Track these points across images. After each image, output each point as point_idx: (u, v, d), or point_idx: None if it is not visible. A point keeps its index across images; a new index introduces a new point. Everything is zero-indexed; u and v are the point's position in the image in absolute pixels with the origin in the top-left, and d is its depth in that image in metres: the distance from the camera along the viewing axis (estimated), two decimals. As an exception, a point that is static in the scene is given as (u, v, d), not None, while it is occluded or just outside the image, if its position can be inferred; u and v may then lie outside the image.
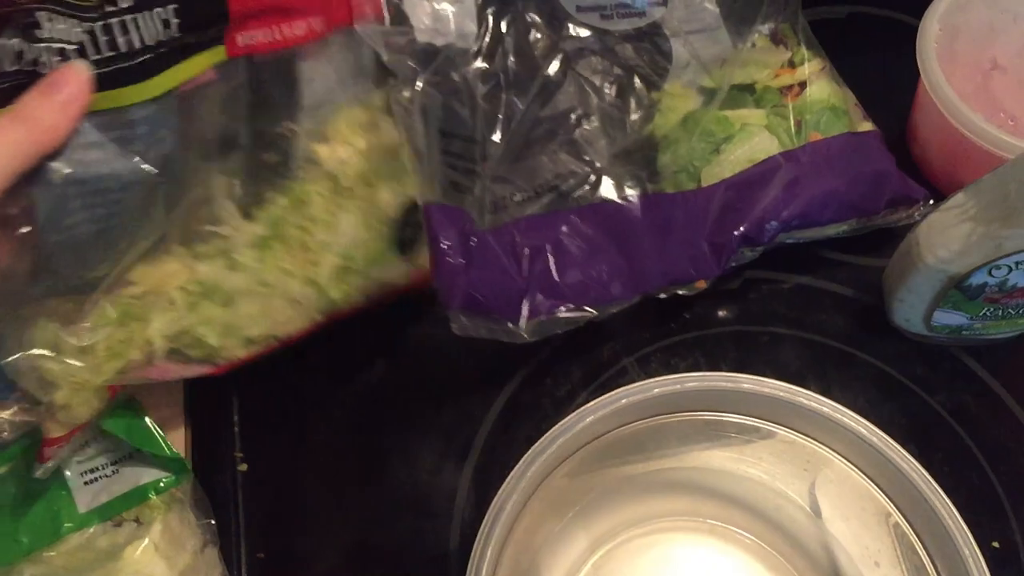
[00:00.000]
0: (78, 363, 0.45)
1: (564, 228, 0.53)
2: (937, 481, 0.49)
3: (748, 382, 0.43)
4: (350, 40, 0.49)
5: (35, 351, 0.44)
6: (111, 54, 0.44)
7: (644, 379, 0.44)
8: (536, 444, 0.42)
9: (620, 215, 0.54)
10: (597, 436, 0.45)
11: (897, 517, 0.44)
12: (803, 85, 0.57)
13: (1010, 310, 0.52)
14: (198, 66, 0.46)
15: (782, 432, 0.46)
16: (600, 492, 0.48)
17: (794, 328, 0.58)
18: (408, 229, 0.51)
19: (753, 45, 0.58)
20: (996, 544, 0.52)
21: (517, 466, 0.41)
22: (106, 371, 0.46)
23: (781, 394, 0.44)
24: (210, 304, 0.48)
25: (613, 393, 0.42)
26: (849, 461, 0.46)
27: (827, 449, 0.46)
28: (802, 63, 0.58)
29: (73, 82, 0.40)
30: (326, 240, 0.49)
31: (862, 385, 0.56)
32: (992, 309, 0.52)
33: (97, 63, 0.43)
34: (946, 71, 0.55)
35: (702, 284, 0.55)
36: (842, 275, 0.60)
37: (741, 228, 0.54)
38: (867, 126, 0.58)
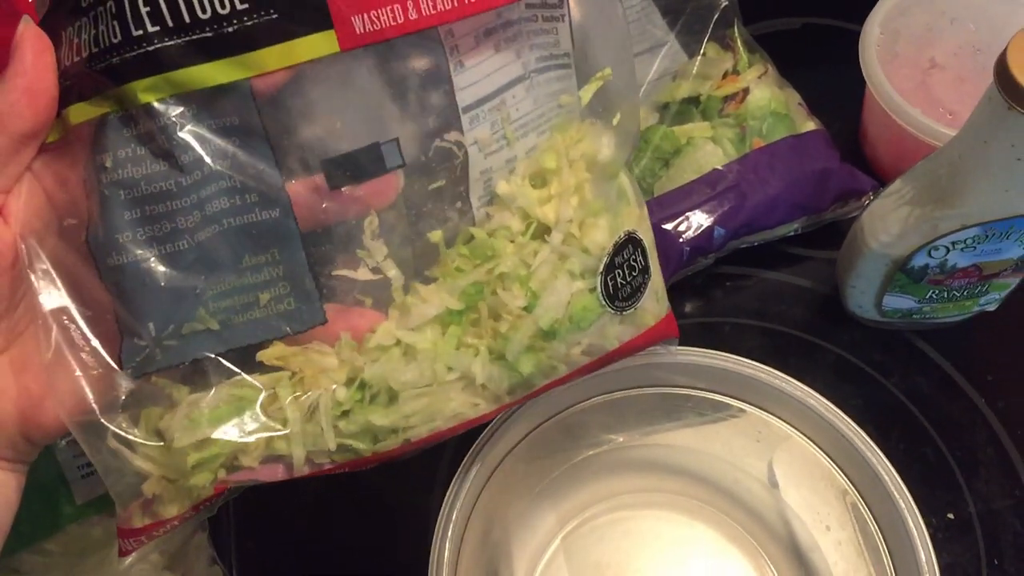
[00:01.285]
0: (177, 458, 0.35)
1: None
2: (893, 458, 0.51)
3: (701, 355, 0.46)
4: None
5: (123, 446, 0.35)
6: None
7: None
8: (492, 422, 0.44)
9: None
10: (555, 413, 0.47)
11: (848, 487, 0.47)
12: (747, 91, 0.60)
13: (955, 292, 0.55)
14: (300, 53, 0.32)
15: (740, 406, 0.48)
16: (564, 471, 0.51)
17: (756, 319, 0.61)
18: (619, 274, 0.39)
19: (704, 54, 0.61)
20: (951, 516, 0.54)
21: (473, 446, 0.44)
22: (209, 472, 0.36)
23: (737, 367, 0.47)
24: (371, 407, 0.37)
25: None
26: (804, 435, 0.48)
27: (783, 423, 0.48)
28: (744, 70, 0.61)
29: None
30: (520, 303, 0.37)
31: (821, 371, 0.59)
32: (937, 291, 0.55)
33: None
34: (888, 72, 0.58)
35: None
36: (801, 268, 0.63)
37: (689, 238, 0.57)
38: (811, 125, 0.61)
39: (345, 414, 0.36)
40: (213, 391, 0.35)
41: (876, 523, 0.45)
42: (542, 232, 0.38)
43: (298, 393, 0.36)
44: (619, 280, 0.39)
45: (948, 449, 0.56)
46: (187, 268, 0.33)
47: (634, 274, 0.40)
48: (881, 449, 0.54)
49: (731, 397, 0.48)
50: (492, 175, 0.38)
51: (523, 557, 0.50)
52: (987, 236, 0.50)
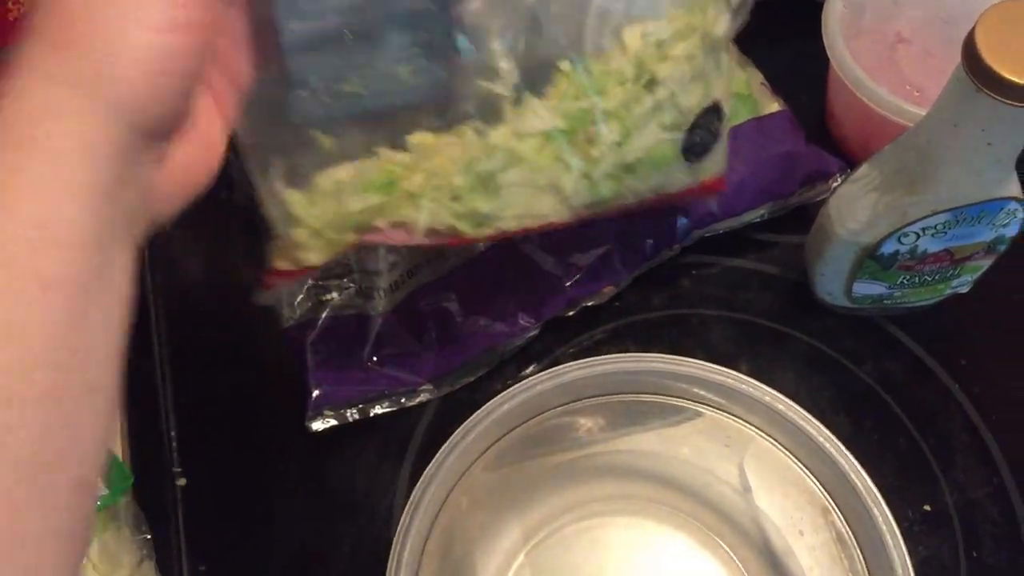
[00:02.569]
0: (325, 210, 0.43)
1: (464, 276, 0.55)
2: (867, 450, 0.50)
3: (659, 361, 0.44)
4: None
5: (287, 190, 0.42)
6: None
7: (569, 368, 0.45)
8: (453, 435, 0.42)
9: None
10: (519, 423, 0.45)
11: (819, 490, 0.45)
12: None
13: (926, 276, 0.53)
14: None
15: (708, 412, 0.47)
16: (530, 481, 0.49)
17: (724, 309, 0.59)
18: (699, 134, 0.46)
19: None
20: (927, 507, 0.53)
21: (435, 457, 0.42)
22: (349, 230, 0.44)
23: (704, 373, 0.45)
24: (479, 196, 0.44)
25: (527, 380, 0.43)
26: (773, 439, 0.46)
27: (752, 428, 0.47)
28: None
29: None
30: (614, 138, 0.44)
31: (792, 361, 0.57)
32: (908, 277, 0.53)
33: None
34: (852, 47, 0.56)
35: (610, 290, 0.56)
36: (768, 255, 0.61)
37: (651, 230, 0.55)
38: (774, 107, 0.59)
39: (458, 198, 0.44)
40: (365, 160, 0.42)
41: (848, 527, 0.43)
42: (648, 82, 0.44)
43: (428, 174, 0.43)
44: (697, 139, 0.46)
45: (923, 438, 0.55)
46: (351, 40, 0.40)
47: (709, 136, 0.47)
48: (854, 439, 0.52)
49: (699, 403, 0.46)
50: (609, 15, 0.43)
51: (488, 570, 0.48)
52: (958, 221, 0.48)
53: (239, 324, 0.60)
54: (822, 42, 0.57)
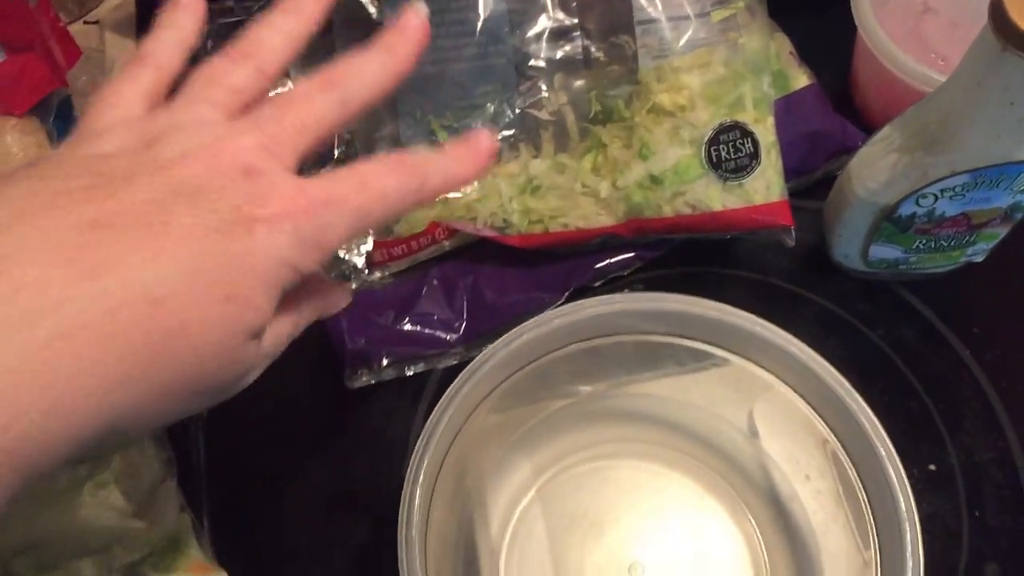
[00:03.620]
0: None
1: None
2: (876, 410, 0.51)
3: (679, 302, 0.45)
4: None
5: None
6: None
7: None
8: (469, 366, 0.43)
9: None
10: (530, 362, 0.46)
11: (828, 436, 0.46)
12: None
13: (942, 241, 0.54)
14: None
15: (720, 355, 0.47)
16: (541, 421, 0.50)
17: (740, 269, 0.60)
18: (722, 148, 0.54)
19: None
20: (933, 467, 0.53)
21: (446, 393, 0.43)
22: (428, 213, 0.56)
23: (718, 315, 0.45)
24: (527, 196, 0.56)
25: (539, 317, 0.44)
26: (785, 383, 0.47)
27: (764, 371, 0.47)
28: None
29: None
30: (638, 151, 0.54)
31: (805, 322, 0.58)
32: (924, 241, 0.54)
33: None
34: (879, 16, 0.57)
35: (637, 262, 0.59)
36: (787, 219, 0.61)
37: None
38: (803, 79, 0.59)
39: (511, 199, 0.56)
40: None
41: (856, 472, 0.44)
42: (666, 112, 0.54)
43: (492, 178, 0.56)
44: (723, 154, 0.54)
45: (932, 401, 0.55)
46: (448, 81, 0.56)
47: (739, 155, 0.54)
48: (864, 400, 0.53)
49: (712, 345, 0.47)
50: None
51: (498, 505, 0.49)
52: (976, 184, 0.49)
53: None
54: (850, 10, 0.58)
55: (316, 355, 0.57)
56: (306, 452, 0.56)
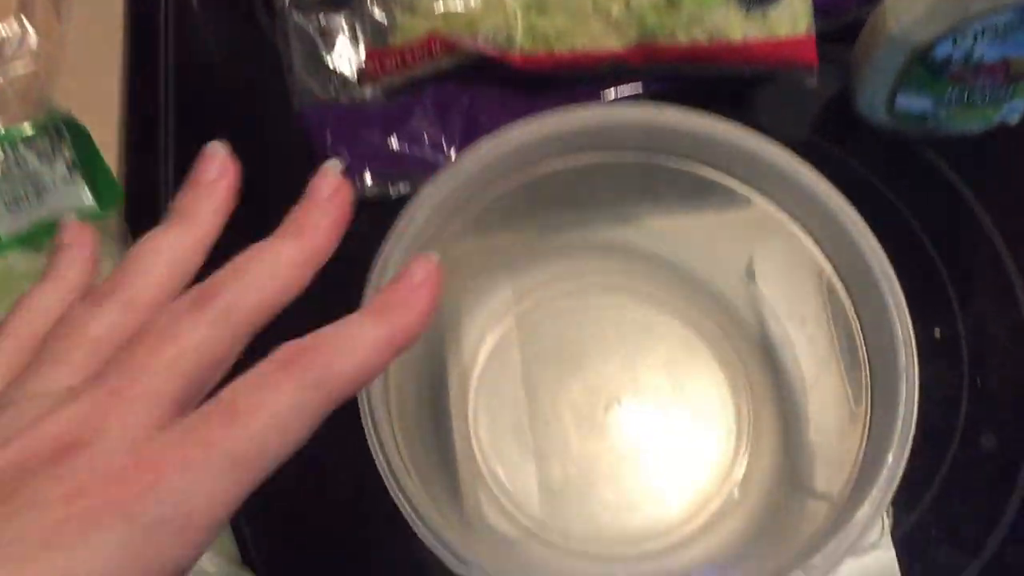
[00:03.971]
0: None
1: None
2: None
3: (686, 117, 0.41)
4: None
5: None
6: None
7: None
8: (443, 170, 0.40)
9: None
10: (519, 170, 0.42)
11: (833, 278, 0.43)
12: None
13: (976, 95, 0.50)
14: None
15: (725, 184, 0.43)
16: (527, 246, 0.47)
17: (754, 116, 0.56)
18: None
19: None
20: (938, 332, 0.50)
21: (421, 190, 0.40)
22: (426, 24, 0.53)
23: (725, 134, 0.42)
24: (533, 13, 0.52)
25: (534, 118, 0.40)
26: (793, 217, 0.43)
27: (772, 204, 0.43)
28: None
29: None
30: None
31: (820, 172, 0.54)
32: (957, 91, 0.50)
33: None
34: None
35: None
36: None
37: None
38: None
39: (517, 15, 0.52)
40: None
41: (858, 318, 0.41)
42: None
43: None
44: None
45: (945, 266, 0.52)
46: None
47: None
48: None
49: (716, 170, 0.43)
50: None
51: (474, 327, 0.46)
52: (1021, 23, 0.45)
53: (250, 97, 0.58)
54: None
55: (295, 165, 0.54)
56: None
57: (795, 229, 0.43)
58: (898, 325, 0.39)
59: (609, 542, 0.44)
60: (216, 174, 0.29)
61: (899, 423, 0.36)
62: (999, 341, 0.50)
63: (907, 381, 0.37)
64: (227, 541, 0.46)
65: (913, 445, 0.48)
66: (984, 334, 0.50)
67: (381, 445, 0.36)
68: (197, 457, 0.22)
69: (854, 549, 0.38)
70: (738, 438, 0.45)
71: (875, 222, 0.53)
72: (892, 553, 0.44)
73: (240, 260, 0.27)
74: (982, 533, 0.47)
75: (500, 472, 0.45)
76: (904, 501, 0.47)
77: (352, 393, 0.25)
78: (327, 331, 0.26)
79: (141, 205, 0.53)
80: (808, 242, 0.42)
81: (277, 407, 0.23)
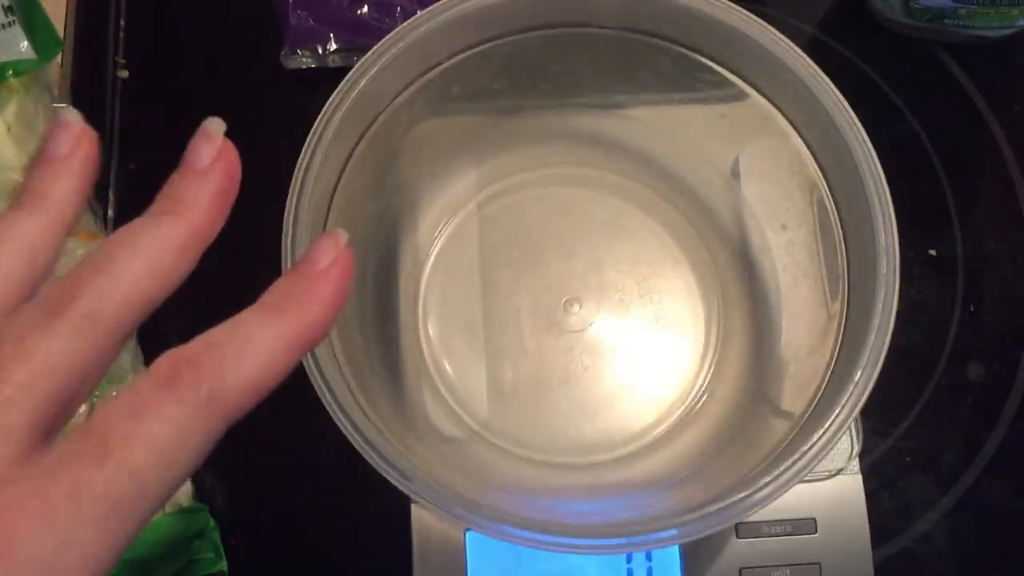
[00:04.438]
0: None
1: None
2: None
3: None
4: None
5: None
6: None
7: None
8: (397, 29, 0.36)
9: None
10: (486, 40, 0.38)
11: (819, 179, 0.39)
12: None
13: (1002, -9, 0.45)
14: None
15: (713, 71, 0.39)
16: (495, 127, 0.43)
17: (764, 5, 0.51)
18: None
19: None
20: (933, 252, 0.47)
21: (371, 51, 0.35)
22: None
23: (716, 12, 0.37)
24: None
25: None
26: (784, 113, 0.39)
27: (763, 98, 0.39)
28: None
29: None
30: None
31: (825, 70, 0.50)
32: (981, -14, 0.45)
33: None
34: None
35: None
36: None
37: None
38: None
39: None
40: None
41: (841, 224, 0.37)
42: None
43: None
44: None
45: (948, 180, 0.48)
46: None
47: None
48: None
49: (705, 56, 0.39)
50: None
51: (432, 209, 0.43)
52: (1060, -92, 0.40)
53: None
54: None
55: (252, 26, 0.50)
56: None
57: (785, 127, 0.38)
58: (883, 234, 0.35)
59: (559, 450, 0.41)
60: (69, 147, 0.23)
61: (871, 338, 0.32)
62: (999, 266, 0.46)
63: (884, 297, 0.33)
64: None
65: (895, 370, 0.45)
66: (984, 258, 0.47)
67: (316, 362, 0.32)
68: (62, 506, 0.18)
69: (816, 472, 0.36)
70: (705, 347, 0.42)
71: (878, 129, 0.48)
72: (860, 479, 0.41)
73: (106, 248, 0.22)
74: (958, 467, 0.44)
75: (448, 368, 0.42)
76: (879, 427, 0.44)
77: (251, 406, 0.21)
78: (216, 334, 0.21)
79: (87, 55, 0.50)
80: (798, 142, 0.38)
81: (159, 435, 0.19)
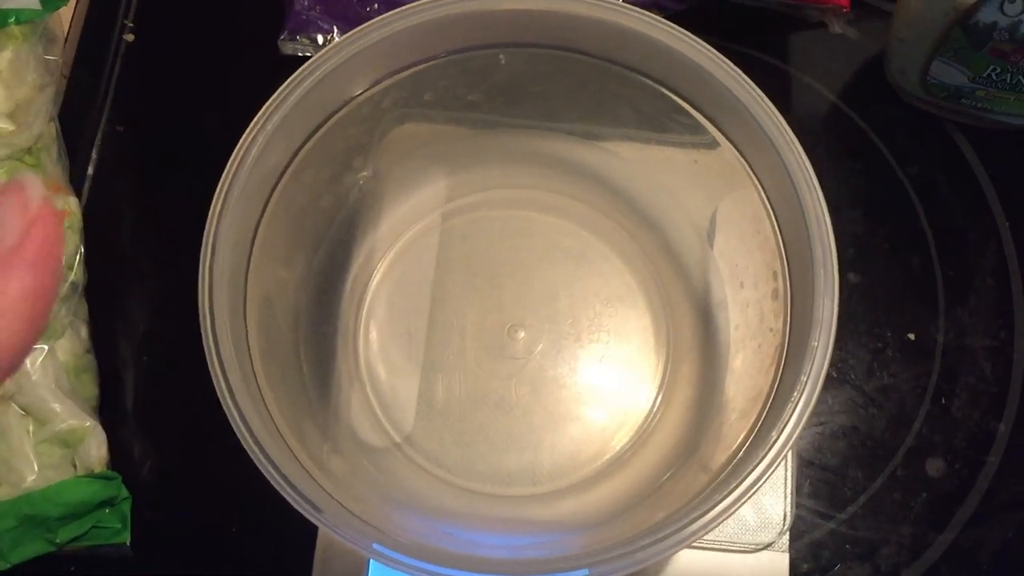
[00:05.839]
0: None
1: None
2: (872, 256, 0.45)
3: (637, 18, 0.35)
4: None
5: None
6: None
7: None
8: (365, 24, 0.35)
9: None
10: (459, 50, 0.37)
11: (779, 248, 0.37)
12: None
13: (1019, 76, 0.43)
14: None
15: (690, 117, 0.38)
16: (471, 140, 0.42)
17: (777, 59, 0.50)
18: None
19: None
20: (911, 336, 0.45)
21: (335, 43, 0.35)
22: None
23: (696, 57, 0.35)
24: None
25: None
26: (752, 169, 0.37)
27: (734, 150, 0.38)
28: None
29: None
30: None
31: (829, 134, 0.49)
32: (998, 69, 0.43)
33: None
34: None
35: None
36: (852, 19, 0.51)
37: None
38: None
39: None
40: None
41: (790, 287, 0.35)
42: None
43: None
44: None
45: (941, 265, 0.46)
46: None
47: None
48: (862, 241, 0.45)
49: (682, 98, 0.37)
50: None
51: (395, 212, 0.42)
52: (1082, -4, 0.38)
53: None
54: None
55: (259, 9, 0.50)
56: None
57: (751, 181, 0.37)
58: (821, 305, 0.33)
59: (479, 477, 0.40)
60: None
61: (788, 410, 0.31)
62: (978, 363, 0.44)
63: (811, 371, 0.31)
64: (89, 384, 0.43)
65: (851, 451, 0.43)
66: (965, 352, 0.44)
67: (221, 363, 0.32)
68: None
69: (743, 543, 0.36)
70: (647, 395, 0.40)
71: (877, 201, 0.47)
72: (787, 557, 0.39)
73: None
74: (898, 565, 0.41)
75: (381, 374, 0.41)
76: (823, 509, 0.42)
77: None
78: None
79: (97, 13, 0.50)
80: (762, 197, 0.37)
81: None
